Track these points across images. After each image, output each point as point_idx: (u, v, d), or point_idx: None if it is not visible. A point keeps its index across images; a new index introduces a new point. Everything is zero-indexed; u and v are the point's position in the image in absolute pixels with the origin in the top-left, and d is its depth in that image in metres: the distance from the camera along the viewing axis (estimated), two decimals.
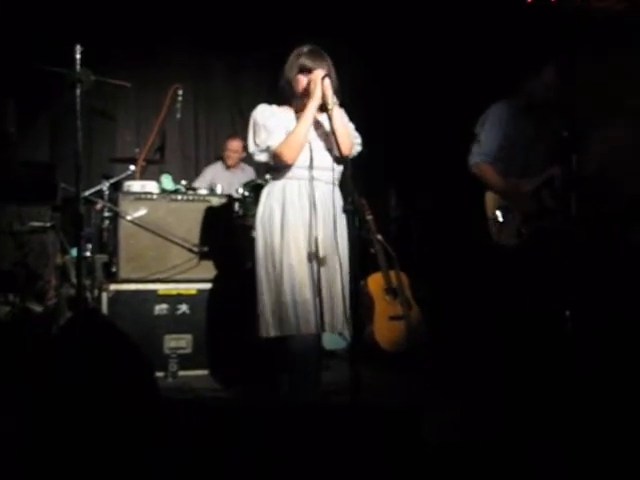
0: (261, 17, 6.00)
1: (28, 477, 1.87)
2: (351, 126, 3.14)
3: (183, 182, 4.44)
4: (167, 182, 4.26)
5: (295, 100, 3.08)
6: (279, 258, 2.95)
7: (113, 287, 3.87)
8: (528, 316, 3.69)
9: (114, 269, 4.01)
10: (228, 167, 5.94)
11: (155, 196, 4.06)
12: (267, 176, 3.14)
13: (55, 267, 4.00)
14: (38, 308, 3.97)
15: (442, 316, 4.62)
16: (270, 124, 3.00)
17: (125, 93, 5.71)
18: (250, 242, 3.29)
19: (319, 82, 2.90)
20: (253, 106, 3.12)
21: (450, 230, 5.13)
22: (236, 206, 4.18)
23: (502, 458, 2.27)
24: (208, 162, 6.32)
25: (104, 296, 3.84)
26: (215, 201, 4.17)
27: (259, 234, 3.05)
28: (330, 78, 2.93)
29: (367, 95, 5.61)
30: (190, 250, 4.04)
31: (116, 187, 4.40)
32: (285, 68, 3.06)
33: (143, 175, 4.68)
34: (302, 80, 2.99)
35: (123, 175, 4.58)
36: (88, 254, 4.14)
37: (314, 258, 2.95)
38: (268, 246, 2.99)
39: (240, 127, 6.13)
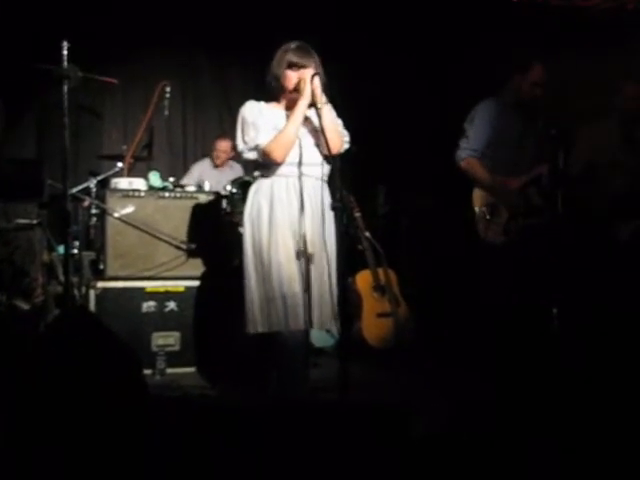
0: (248, 14, 5.98)
1: (15, 475, 1.86)
2: (339, 123, 3.15)
3: (171, 179, 4.43)
4: (155, 179, 4.25)
5: (283, 96, 3.08)
6: (267, 254, 2.95)
7: (100, 284, 3.86)
8: (515, 313, 3.72)
9: (101, 266, 3.99)
10: (216, 166, 5.94)
11: (143, 193, 4.04)
12: (255, 173, 3.13)
13: (42, 264, 3.97)
14: (25, 306, 3.94)
15: (430, 313, 4.63)
16: (259, 122, 2.99)
17: (112, 90, 5.68)
18: (238, 239, 3.29)
19: (309, 81, 2.90)
20: (241, 103, 3.11)
21: (438, 227, 5.15)
22: (224, 203, 4.18)
23: (491, 452, 2.28)
24: (196, 159, 6.31)
25: (91, 293, 3.83)
26: (203, 198, 4.17)
27: (247, 231, 3.05)
28: (319, 76, 2.93)
29: (355, 91, 5.61)
30: (178, 247, 4.03)
31: (103, 184, 4.38)
32: (272, 64, 3.06)
33: (131, 172, 4.67)
34: (291, 75, 2.99)
35: (110, 172, 4.56)
36: (75, 251, 4.12)
37: (302, 254, 2.96)
38: (256, 243, 3.00)
39: (228, 124, 6.12)
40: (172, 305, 3.96)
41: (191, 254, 4.05)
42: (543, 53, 4.04)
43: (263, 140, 2.96)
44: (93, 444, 1.91)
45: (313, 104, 2.92)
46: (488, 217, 3.85)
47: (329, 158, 2.94)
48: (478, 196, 3.91)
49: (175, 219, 4.06)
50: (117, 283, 3.89)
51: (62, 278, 3.79)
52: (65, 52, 3.40)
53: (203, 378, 3.84)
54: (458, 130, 3.96)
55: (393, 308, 4.40)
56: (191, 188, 4.35)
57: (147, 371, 3.71)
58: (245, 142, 3.02)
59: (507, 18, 4.93)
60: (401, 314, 4.42)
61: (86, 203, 4.41)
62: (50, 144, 5.50)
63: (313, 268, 2.97)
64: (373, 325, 4.37)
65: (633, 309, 3.59)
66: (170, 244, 4.02)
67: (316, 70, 2.98)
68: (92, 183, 4.39)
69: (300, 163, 2.99)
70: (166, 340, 3.92)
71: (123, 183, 4.10)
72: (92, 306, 3.81)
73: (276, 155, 2.96)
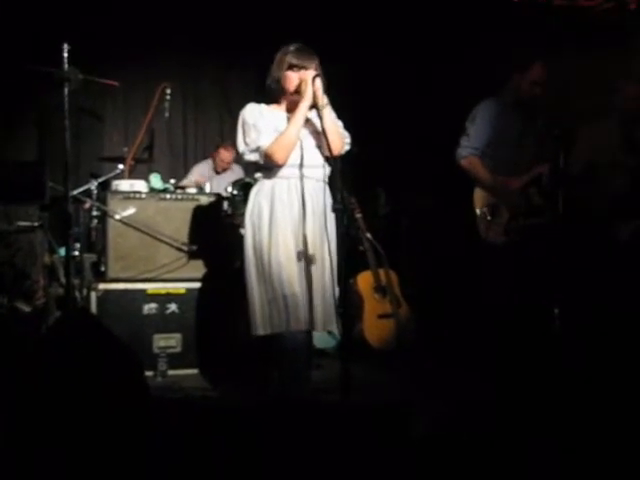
0: (248, 16, 5.99)
1: (17, 477, 1.87)
2: (340, 124, 3.15)
3: (172, 181, 4.43)
4: (156, 181, 4.25)
5: (284, 98, 3.08)
6: (267, 255, 2.95)
7: (102, 286, 3.86)
8: (516, 313, 3.72)
9: (103, 268, 3.99)
10: (217, 172, 5.95)
11: (144, 195, 4.04)
12: (257, 175, 3.13)
13: (43, 267, 3.97)
14: (26, 308, 3.94)
15: (431, 314, 4.63)
16: (260, 124, 3.00)
17: (113, 92, 5.69)
18: (239, 241, 3.29)
19: (310, 82, 2.90)
20: (242, 105, 3.11)
21: (439, 228, 5.14)
22: (225, 205, 4.18)
23: (492, 452, 2.28)
24: (196, 161, 6.31)
25: (93, 295, 3.83)
26: (204, 200, 4.17)
27: (248, 232, 3.05)
28: (320, 77, 2.93)
29: (355, 92, 5.62)
30: (179, 249, 4.03)
31: (104, 186, 4.38)
32: (272, 67, 3.06)
33: (132, 174, 4.67)
34: (291, 77, 2.99)
35: (111, 174, 4.57)
36: (76, 253, 4.12)
37: (303, 256, 2.96)
38: (257, 244, 3.00)
39: (229, 126, 6.13)
40: (173, 307, 3.96)
41: (192, 256, 4.05)
42: (544, 53, 4.04)
43: (264, 142, 2.96)
44: (95, 446, 1.91)
45: (314, 105, 2.92)
46: (489, 218, 3.85)
47: (330, 160, 2.94)
48: (479, 197, 3.91)
49: (176, 221, 4.06)
50: (118, 285, 3.89)
51: (63, 280, 3.79)
52: (66, 54, 3.40)
53: (205, 380, 3.84)
54: (458, 130, 3.96)
55: (394, 309, 4.40)
56: (192, 190, 4.35)
57: (148, 373, 3.71)
58: (246, 144, 3.02)
59: (508, 18, 4.93)
60: (402, 315, 4.42)
61: (87, 205, 4.41)
62: (51, 146, 5.50)
63: (314, 269, 2.97)
64: (374, 326, 4.37)
65: (634, 309, 3.59)
66: (171, 246, 4.02)
67: (316, 71, 2.98)
68: (93, 185, 4.39)
69: (301, 165, 2.99)
70: (167, 342, 3.92)
71: (124, 185, 4.10)
72: (93, 308, 3.81)
73: (278, 157, 2.96)
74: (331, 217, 3.00)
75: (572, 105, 3.51)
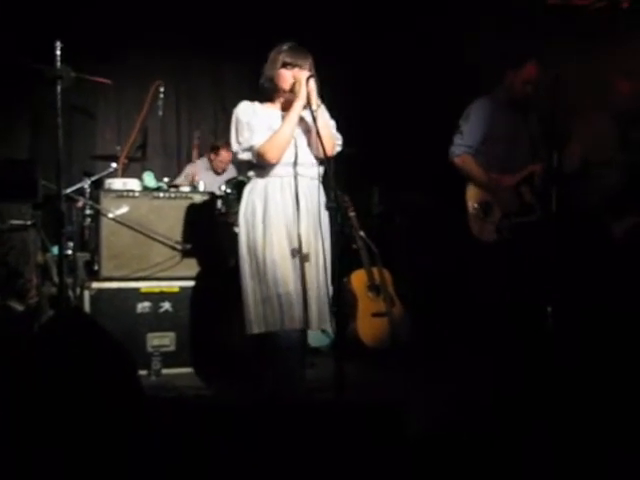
0: (243, 13, 5.98)
1: (10, 476, 1.86)
2: (332, 124, 3.15)
3: (165, 179, 4.42)
4: (149, 179, 4.24)
5: (278, 96, 3.07)
6: (262, 254, 2.95)
7: (95, 285, 3.85)
8: (509, 312, 3.72)
9: (96, 267, 3.99)
10: (218, 173, 5.93)
11: (137, 194, 4.03)
12: (250, 173, 3.13)
13: (36, 265, 3.96)
14: (19, 307, 3.93)
15: (425, 312, 4.64)
16: (253, 122, 2.99)
17: (106, 90, 5.67)
18: (233, 239, 3.28)
19: (304, 83, 2.90)
20: (236, 103, 3.11)
21: (433, 226, 5.15)
22: (219, 203, 4.17)
23: (486, 451, 2.29)
24: (190, 159, 6.29)
25: (86, 294, 3.82)
26: (197, 198, 4.16)
27: (242, 230, 3.04)
28: (314, 78, 2.92)
29: (348, 91, 5.62)
30: (172, 248, 4.03)
31: (97, 185, 4.36)
32: (266, 65, 3.06)
33: (125, 172, 4.65)
34: (285, 75, 2.99)
35: (105, 173, 4.55)
36: (69, 252, 4.10)
37: (297, 254, 2.96)
38: (251, 242, 2.99)
39: (223, 124, 6.12)
40: (167, 305, 3.95)
41: (186, 254, 4.05)
42: (537, 51, 4.05)
43: (257, 141, 2.95)
44: (88, 445, 1.90)
45: (308, 106, 2.91)
46: (481, 216, 3.85)
47: (323, 159, 2.94)
48: (472, 193, 3.91)
49: (170, 219, 4.05)
50: (112, 284, 3.88)
51: (56, 279, 3.77)
52: (58, 52, 3.39)
53: (199, 378, 3.84)
54: (452, 129, 3.96)
55: (388, 308, 4.40)
56: (185, 188, 4.34)
57: (142, 372, 3.71)
58: (239, 143, 3.01)
59: (502, 16, 4.93)
60: (396, 313, 4.42)
61: (80, 204, 4.40)
62: (43, 144, 5.49)
63: (308, 268, 2.97)
64: (368, 325, 4.37)
65: (627, 306, 3.60)
66: (165, 244, 4.02)
67: (310, 70, 2.98)
68: (86, 184, 4.37)
69: (295, 163, 2.99)
70: (161, 341, 3.91)
71: (117, 183, 4.09)
72: (87, 307, 3.80)
73: (270, 156, 2.95)
74: (325, 215, 3.00)
75: (566, 104, 3.51)
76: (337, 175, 2.78)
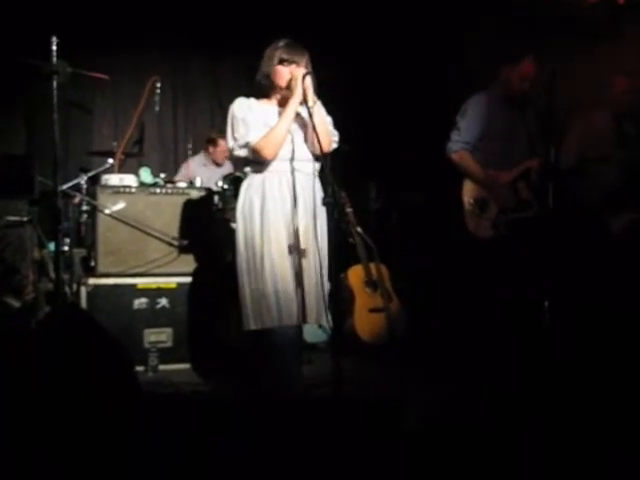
0: (239, 8, 5.96)
1: (6, 474, 1.86)
2: (329, 120, 3.14)
3: (162, 175, 4.41)
4: (146, 175, 4.23)
5: (274, 93, 3.07)
6: (260, 249, 2.95)
7: (92, 281, 3.84)
8: (506, 307, 3.73)
9: (93, 263, 3.98)
10: (218, 165, 5.91)
11: (134, 189, 4.03)
12: (246, 169, 3.12)
13: (33, 261, 3.96)
14: (16, 303, 3.93)
15: (422, 308, 4.64)
16: (249, 118, 2.98)
17: (102, 86, 5.66)
18: (230, 235, 3.28)
19: (300, 80, 2.89)
20: (232, 98, 3.10)
21: (430, 222, 5.15)
22: (216, 199, 4.17)
23: (482, 446, 2.29)
24: (187, 155, 6.28)
25: (83, 290, 3.81)
26: (194, 194, 4.15)
27: (239, 226, 3.04)
28: (310, 75, 2.92)
29: (345, 87, 5.61)
30: (169, 244, 4.02)
31: (94, 181, 4.35)
32: (262, 62, 3.05)
33: (122, 168, 4.65)
34: (282, 71, 2.98)
35: (101, 168, 4.54)
36: (66, 248, 4.10)
37: (295, 250, 2.96)
38: (248, 238, 2.99)
39: (219, 119, 6.10)
40: (164, 302, 3.95)
41: (183, 250, 4.04)
42: (534, 47, 4.04)
43: (253, 137, 2.95)
44: (85, 442, 1.90)
45: (304, 102, 2.91)
46: (478, 212, 3.86)
47: (319, 156, 2.94)
48: (468, 188, 3.91)
49: (166, 215, 4.04)
50: (108, 280, 3.88)
51: (53, 275, 3.77)
52: (54, 47, 3.38)
53: (196, 374, 3.84)
54: (449, 125, 3.96)
55: (385, 303, 4.41)
56: (182, 184, 4.33)
57: (139, 368, 3.71)
58: (235, 139, 3.01)
59: (498, 13, 4.93)
60: (393, 309, 4.42)
61: (77, 200, 4.39)
62: (40, 140, 5.46)
63: (305, 263, 2.97)
64: (365, 320, 4.37)
65: (624, 302, 3.61)
66: (161, 240, 4.01)
67: (306, 66, 2.98)
68: (83, 179, 4.37)
69: (292, 159, 2.99)
70: (158, 337, 3.91)
71: (114, 179, 4.08)
72: (83, 303, 3.79)
73: (266, 153, 2.95)
74: (322, 211, 3.00)
75: (563, 99, 3.51)
76: (334, 171, 2.78)
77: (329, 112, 3.16)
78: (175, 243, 4.03)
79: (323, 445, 1.99)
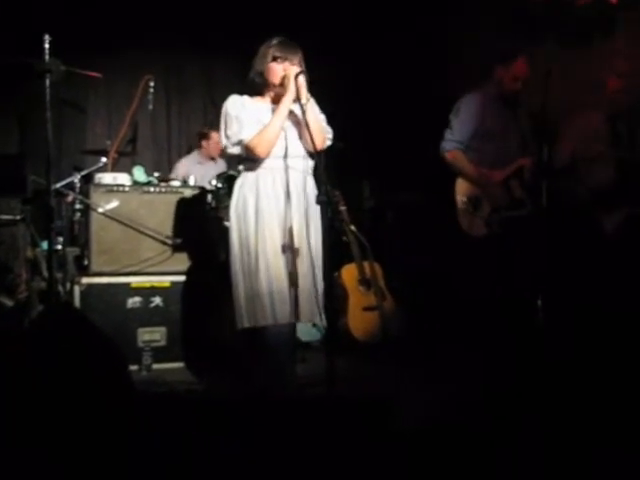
0: (232, 7, 5.96)
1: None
2: (322, 118, 3.14)
3: (156, 174, 4.40)
4: (139, 174, 4.22)
5: (268, 90, 3.06)
6: (254, 248, 2.95)
7: (85, 280, 3.83)
8: (500, 306, 3.74)
9: (86, 262, 3.97)
10: (212, 159, 5.90)
11: (127, 188, 4.02)
12: (240, 167, 3.12)
13: (26, 260, 3.94)
14: (9, 302, 3.91)
15: (416, 306, 4.64)
16: (242, 116, 2.98)
17: (96, 84, 5.64)
18: (223, 234, 3.28)
19: (292, 79, 2.89)
20: (226, 96, 3.10)
21: (423, 220, 5.15)
22: (209, 198, 4.16)
23: (476, 445, 2.29)
24: (180, 154, 6.28)
25: (76, 289, 3.80)
26: (188, 193, 4.15)
27: (233, 225, 3.04)
28: (304, 74, 2.91)
29: (339, 86, 5.60)
30: (163, 242, 4.01)
31: (87, 179, 4.35)
32: (255, 60, 3.05)
33: (115, 167, 4.64)
34: (276, 68, 2.98)
35: (94, 167, 4.54)
36: (59, 247, 4.09)
37: (289, 248, 2.95)
38: (243, 236, 2.99)
39: (213, 117, 6.09)
40: (158, 300, 3.94)
41: (176, 249, 4.04)
42: (527, 46, 4.06)
43: (247, 135, 2.95)
44: (78, 441, 1.89)
45: (297, 100, 2.91)
46: (471, 210, 3.86)
47: (313, 153, 2.94)
48: (461, 187, 3.92)
49: (160, 214, 4.03)
50: (102, 279, 3.87)
51: (46, 274, 3.76)
52: (47, 45, 3.37)
53: (190, 373, 3.83)
54: (443, 124, 3.97)
55: (379, 302, 4.41)
56: (176, 183, 4.33)
57: (133, 367, 3.70)
58: (228, 137, 3.01)
59: (492, 12, 4.94)
60: (387, 308, 4.42)
61: (70, 198, 4.38)
62: (33, 139, 5.45)
63: (299, 262, 2.97)
64: (359, 319, 4.37)
65: (618, 300, 3.62)
66: (155, 239, 4.00)
67: (300, 64, 2.97)
68: (76, 178, 4.36)
69: (286, 156, 2.99)
70: (152, 336, 3.90)
71: (107, 178, 4.07)
72: (76, 302, 3.78)
73: (260, 150, 2.95)
74: (316, 209, 3.00)
75: (556, 99, 3.53)
76: (328, 169, 2.78)
77: (324, 110, 3.16)
78: (169, 242, 4.02)
79: (317, 444, 1.99)
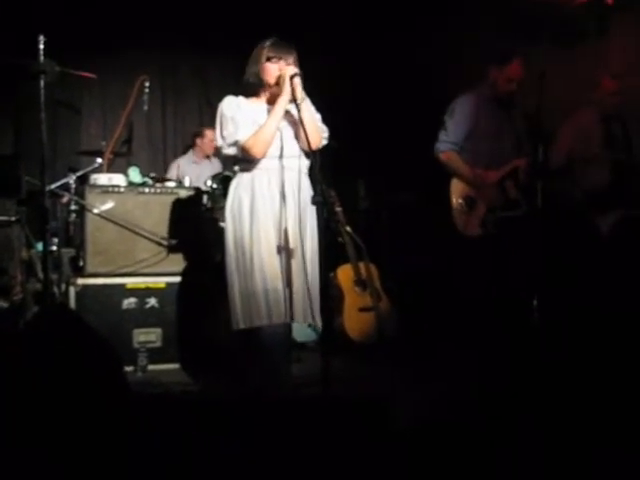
0: (227, 7, 5.95)
1: None
2: (318, 117, 3.14)
3: (151, 174, 4.40)
4: (135, 175, 4.22)
5: (264, 91, 3.06)
6: (249, 248, 2.95)
7: (80, 281, 3.83)
8: (495, 306, 3.74)
9: (81, 263, 3.96)
10: (208, 157, 5.90)
11: (122, 189, 4.01)
12: (235, 168, 3.12)
13: (21, 262, 3.93)
14: (4, 303, 3.90)
15: (411, 307, 4.65)
16: (237, 116, 2.98)
17: (90, 85, 5.63)
18: (219, 234, 3.27)
19: (287, 80, 2.89)
20: (221, 96, 3.10)
21: (419, 221, 5.16)
22: (204, 199, 4.16)
23: (472, 445, 2.30)
24: (176, 154, 6.27)
25: (71, 290, 3.80)
26: (183, 194, 4.14)
27: (229, 226, 3.04)
28: (299, 75, 2.91)
29: (335, 86, 5.61)
30: (158, 243, 4.01)
31: (82, 180, 4.34)
32: (250, 62, 3.05)
33: (110, 168, 4.63)
34: (271, 68, 2.98)
35: (90, 168, 4.53)
36: (54, 248, 4.08)
37: (284, 249, 2.95)
38: (238, 237, 2.99)
39: (208, 117, 6.08)
40: (153, 301, 3.94)
41: (172, 250, 4.03)
42: (522, 47, 4.07)
43: (242, 136, 2.95)
44: (74, 442, 1.89)
45: (293, 100, 2.91)
46: (466, 210, 3.87)
47: (309, 153, 2.94)
48: (457, 188, 3.92)
49: (155, 215, 4.03)
50: (97, 280, 3.86)
51: (41, 275, 3.75)
52: (42, 46, 3.36)
53: (185, 374, 3.83)
54: (438, 124, 3.97)
55: (374, 302, 4.41)
56: (171, 184, 4.32)
57: (128, 368, 3.69)
58: (223, 137, 3.00)
59: (487, 13, 4.95)
60: (382, 308, 4.42)
61: (65, 199, 4.37)
62: (27, 140, 5.44)
63: (295, 262, 2.97)
64: (355, 319, 4.37)
65: (613, 300, 3.63)
66: (150, 240, 4.00)
67: (295, 63, 2.97)
68: (71, 179, 4.35)
69: (281, 156, 2.99)
70: (147, 337, 3.90)
71: (102, 179, 4.07)
72: (72, 303, 3.78)
73: (255, 151, 2.94)
74: (311, 209, 3.00)
75: (551, 100, 3.54)
76: (323, 169, 2.78)
77: (319, 109, 3.15)
78: (164, 243, 4.02)
79: (312, 444, 1.99)
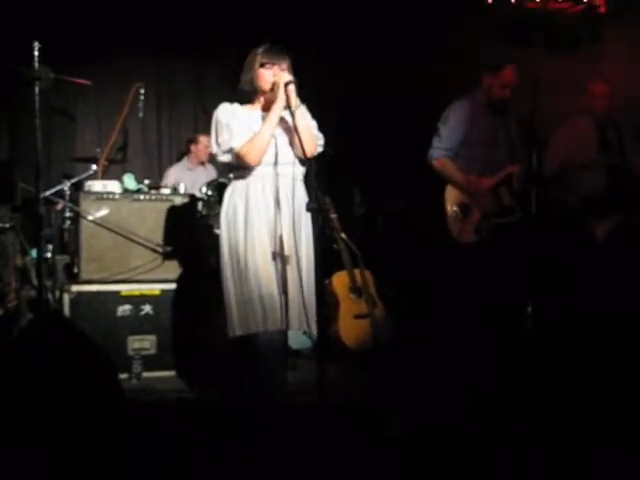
0: (222, 14, 5.96)
1: None
2: (313, 124, 3.14)
3: (146, 181, 4.40)
4: (129, 181, 4.21)
5: (258, 97, 3.06)
6: (244, 255, 2.94)
7: (75, 288, 3.82)
8: (489, 312, 3.75)
9: (76, 270, 3.95)
10: (202, 164, 5.90)
11: (117, 196, 4.01)
12: (230, 175, 3.12)
13: (15, 269, 3.92)
14: None
15: (406, 314, 4.65)
16: (233, 123, 2.98)
17: (85, 91, 5.63)
18: (214, 241, 3.27)
19: (282, 87, 2.89)
20: (217, 103, 3.10)
21: (414, 228, 5.17)
22: (199, 205, 4.16)
23: (467, 451, 2.30)
24: (171, 161, 6.27)
25: (66, 297, 3.78)
26: (178, 200, 4.14)
27: (223, 233, 3.04)
28: (294, 82, 2.91)
29: (330, 92, 5.62)
30: (153, 250, 4.00)
31: (77, 187, 4.33)
32: (244, 69, 3.05)
33: (105, 174, 4.63)
34: (265, 74, 2.98)
35: (84, 175, 4.52)
36: (49, 255, 4.08)
37: (279, 256, 2.95)
38: (232, 244, 2.98)
39: (203, 124, 6.09)
40: (147, 308, 3.93)
41: (167, 257, 4.03)
42: (515, 54, 4.08)
43: (237, 143, 2.95)
44: (68, 450, 1.88)
45: (288, 107, 2.91)
46: (460, 217, 3.88)
47: (304, 160, 2.94)
48: (451, 194, 3.93)
49: (150, 222, 4.02)
50: (92, 287, 3.85)
51: (35, 282, 3.74)
52: (36, 53, 3.36)
53: (180, 382, 3.82)
54: (432, 131, 3.98)
55: (370, 309, 4.40)
56: (166, 190, 4.32)
57: (123, 375, 3.68)
58: (218, 144, 3.00)
59: (481, 19, 4.97)
60: (378, 315, 4.42)
61: (59, 206, 4.37)
62: (22, 146, 5.43)
63: (290, 269, 2.97)
64: (350, 327, 4.37)
65: (607, 307, 3.63)
66: (145, 247, 3.99)
67: (289, 69, 2.98)
68: (66, 186, 4.35)
69: (276, 163, 2.99)
70: (142, 344, 3.89)
71: (97, 186, 4.06)
72: (66, 310, 3.76)
73: (250, 158, 2.94)
74: (306, 216, 3.00)
75: (545, 106, 3.55)
76: (318, 176, 2.78)
77: (316, 112, 3.15)
78: (159, 249, 4.01)
79: (308, 451, 1.99)
